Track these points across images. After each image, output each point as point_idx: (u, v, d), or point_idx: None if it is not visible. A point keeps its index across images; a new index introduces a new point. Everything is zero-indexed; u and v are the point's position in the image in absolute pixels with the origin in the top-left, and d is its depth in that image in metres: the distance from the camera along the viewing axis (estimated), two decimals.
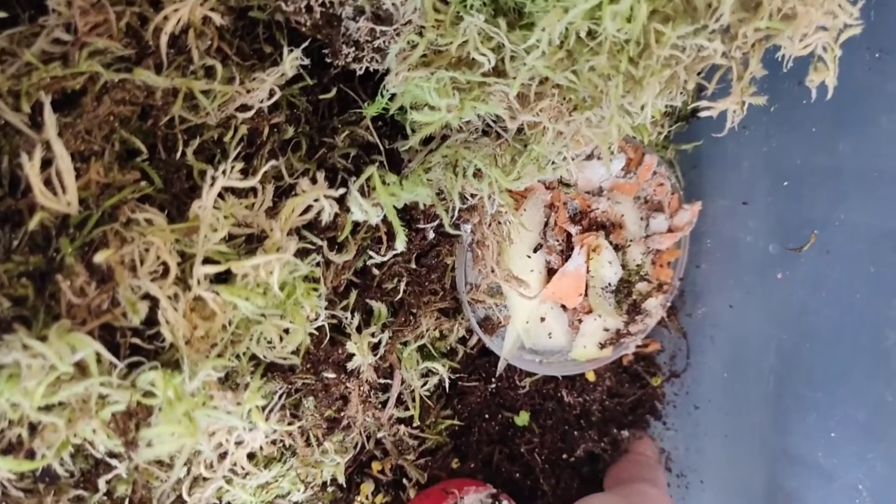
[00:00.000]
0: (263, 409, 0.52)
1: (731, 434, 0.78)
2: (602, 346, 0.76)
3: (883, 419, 0.61)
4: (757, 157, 0.70)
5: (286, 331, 0.51)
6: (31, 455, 0.45)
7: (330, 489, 0.71)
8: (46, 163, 0.44)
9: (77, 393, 0.42)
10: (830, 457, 0.67)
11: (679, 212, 0.76)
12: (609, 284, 0.72)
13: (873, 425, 0.63)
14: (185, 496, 0.52)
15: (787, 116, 0.66)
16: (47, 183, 0.44)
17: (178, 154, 0.51)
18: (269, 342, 0.51)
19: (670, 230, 0.76)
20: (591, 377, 0.82)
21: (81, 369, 0.43)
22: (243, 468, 0.52)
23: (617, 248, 0.74)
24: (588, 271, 0.71)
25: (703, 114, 0.56)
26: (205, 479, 0.53)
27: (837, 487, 0.67)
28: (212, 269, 0.46)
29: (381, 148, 0.61)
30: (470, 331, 0.76)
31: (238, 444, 0.51)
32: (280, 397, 0.54)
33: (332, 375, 0.58)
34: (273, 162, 0.51)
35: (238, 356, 0.50)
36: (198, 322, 0.47)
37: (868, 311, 0.62)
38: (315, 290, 0.52)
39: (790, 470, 0.72)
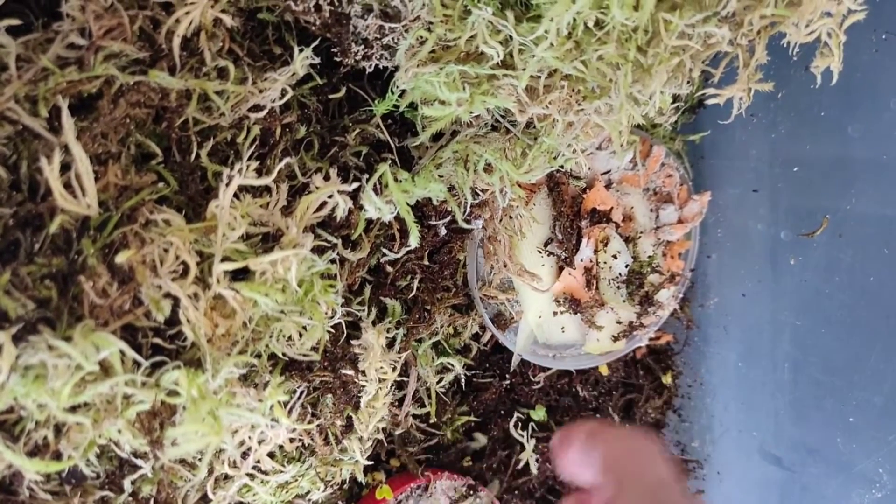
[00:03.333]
0: (285, 405, 0.52)
1: (746, 424, 0.78)
2: (615, 338, 0.76)
3: None
4: (765, 145, 0.71)
5: (305, 328, 0.52)
6: (57, 456, 0.45)
7: (346, 486, 0.71)
8: (65, 167, 0.45)
9: (103, 392, 0.43)
10: (849, 442, 0.67)
11: (688, 202, 0.76)
12: (619, 275, 0.73)
13: (891, 408, 0.64)
14: (209, 494, 0.52)
15: (795, 102, 0.66)
16: (66, 186, 0.45)
17: (193, 156, 0.52)
18: (289, 339, 0.51)
19: (680, 221, 0.76)
20: (604, 371, 0.82)
21: (105, 369, 0.43)
22: (266, 466, 0.53)
23: (627, 240, 0.74)
24: (597, 263, 0.72)
25: (709, 101, 0.56)
26: (227, 477, 0.53)
27: (857, 472, 0.67)
28: (230, 267, 0.46)
29: (392, 145, 0.61)
30: (483, 327, 0.77)
31: (261, 441, 0.51)
32: (300, 395, 0.54)
33: (349, 372, 0.58)
34: (287, 160, 0.52)
35: (259, 354, 0.50)
36: (218, 320, 0.48)
37: (882, 293, 0.62)
38: (332, 286, 0.52)
39: (808, 458, 0.72)
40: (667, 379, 0.85)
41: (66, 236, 0.46)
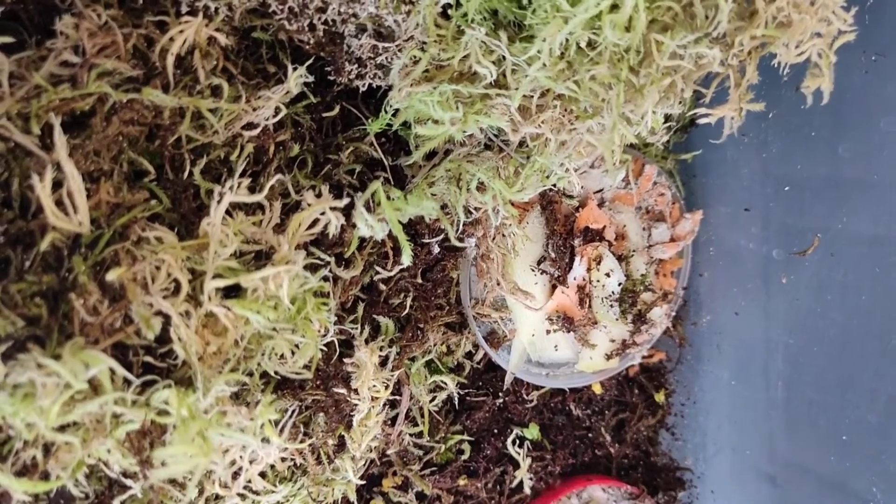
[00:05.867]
0: (276, 424, 0.52)
1: (740, 443, 0.78)
2: (608, 356, 0.76)
3: (895, 420, 0.62)
4: (756, 164, 0.71)
5: (297, 346, 0.52)
6: (45, 476, 0.45)
7: None
8: (57, 184, 0.45)
9: (92, 411, 0.43)
10: (843, 460, 0.67)
11: (680, 221, 0.77)
12: (612, 293, 0.73)
13: (885, 426, 0.63)
14: None
15: (786, 122, 0.67)
16: (58, 204, 0.44)
17: (186, 174, 0.52)
18: (281, 357, 0.51)
19: (672, 239, 0.76)
20: (597, 389, 0.82)
21: (95, 388, 0.43)
22: (256, 486, 0.52)
23: (620, 258, 0.74)
24: (590, 282, 0.72)
25: (701, 121, 0.56)
26: (218, 497, 0.53)
27: (851, 491, 0.67)
28: (222, 283, 0.46)
29: (386, 164, 0.61)
30: (476, 345, 0.77)
31: (252, 461, 0.51)
32: (292, 413, 0.54)
33: (342, 391, 0.58)
34: (280, 177, 0.52)
35: (250, 373, 0.50)
36: (210, 338, 0.47)
37: (874, 312, 0.63)
38: (325, 304, 0.52)
39: (802, 477, 0.72)
40: (660, 397, 0.84)
41: (57, 254, 0.46)
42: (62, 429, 0.43)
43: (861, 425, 0.65)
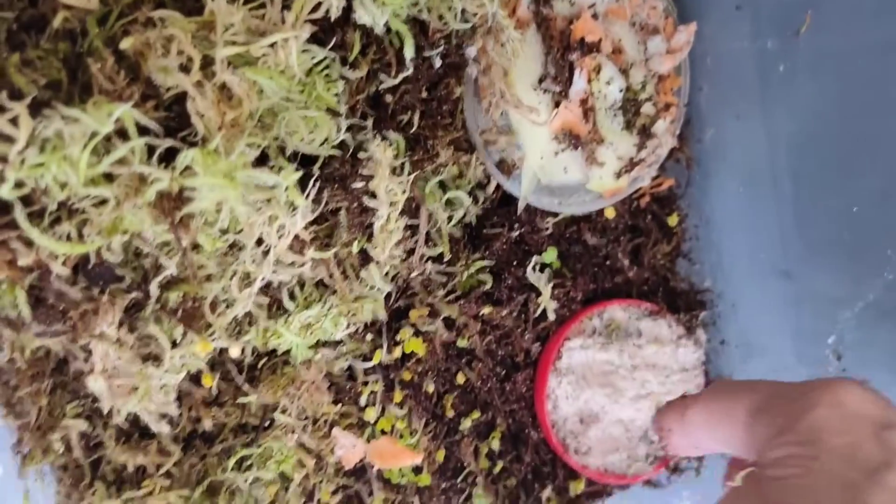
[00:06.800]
0: (302, 189, 0.53)
1: (754, 248, 0.79)
2: (618, 175, 0.77)
3: None
4: None
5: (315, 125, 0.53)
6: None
7: (369, 337, 0.73)
8: None
9: (121, 166, 0.44)
10: (856, 233, 0.68)
11: (675, 34, 0.77)
12: (615, 102, 0.74)
13: (892, 190, 0.65)
14: (234, 293, 0.53)
15: None
16: None
17: None
18: (296, 133, 0.53)
19: (669, 52, 0.77)
20: (610, 214, 0.83)
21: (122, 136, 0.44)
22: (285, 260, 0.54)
23: (619, 72, 0.75)
24: (592, 94, 0.73)
25: None
26: (248, 278, 0.55)
27: (867, 262, 0.68)
28: (233, 51, 0.48)
29: None
30: (488, 176, 0.78)
31: (280, 236, 0.52)
32: (314, 183, 0.55)
33: (359, 185, 0.59)
34: None
35: (268, 146, 0.51)
36: (226, 110, 0.49)
37: (872, 72, 0.63)
38: (333, 81, 0.53)
39: (817, 264, 0.73)
40: (672, 220, 0.86)
41: (70, 36, 0.47)
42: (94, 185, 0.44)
43: (869, 192, 0.66)
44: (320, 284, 0.66)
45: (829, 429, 0.43)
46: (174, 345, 0.57)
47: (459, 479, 0.80)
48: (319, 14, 0.53)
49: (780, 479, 0.43)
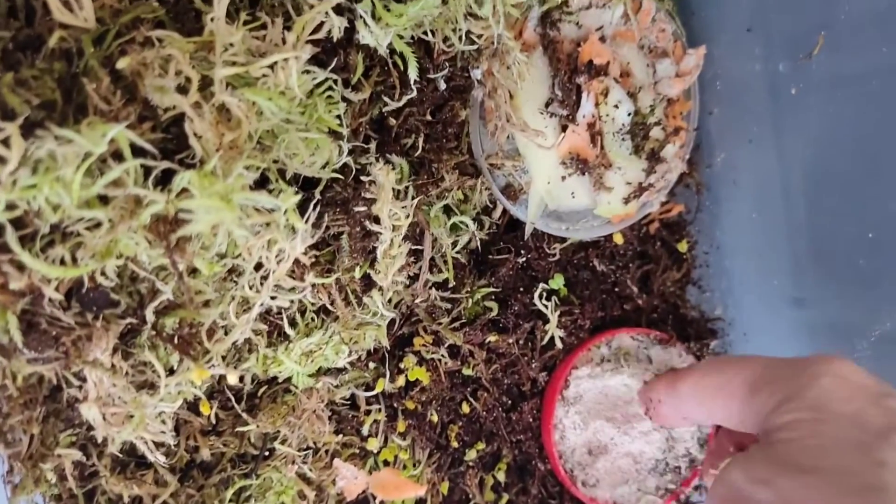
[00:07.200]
0: (301, 215, 0.52)
1: (766, 275, 0.78)
2: (626, 200, 0.76)
3: None
4: None
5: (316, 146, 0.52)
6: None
7: (372, 365, 0.71)
8: None
9: (115, 179, 0.43)
10: (872, 261, 0.66)
11: (684, 57, 0.76)
12: (623, 125, 0.72)
13: None
14: (232, 318, 0.52)
15: None
16: (64, 4, 0.45)
17: None
18: (297, 156, 0.51)
19: (678, 76, 0.76)
20: (618, 240, 0.81)
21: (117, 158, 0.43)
22: (285, 285, 0.52)
23: (627, 95, 0.74)
24: (600, 117, 0.72)
25: None
26: (246, 304, 0.53)
27: (883, 289, 0.66)
28: (231, 71, 0.47)
29: None
30: (494, 202, 0.76)
31: (279, 260, 0.51)
32: (315, 206, 0.53)
33: (362, 209, 0.58)
34: None
35: (268, 168, 0.50)
36: (224, 131, 0.48)
37: (886, 94, 0.62)
38: (334, 103, 0.52)
39: (831, 292, 0.71)
40: (682, 246, 0.84)
41: (65, 53, 0.46)
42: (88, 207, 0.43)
43: (886, 217, 0.65)
44: (322, 311, 0.65)
45: (835, 397, 0.46)
46: (171, 372, 0.56)
47: None
48: (321, 35, 0.52)
49: (791, 440, 0.46)
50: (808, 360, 0.52)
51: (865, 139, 0.65)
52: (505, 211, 0.77)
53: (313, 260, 0.57)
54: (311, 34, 0.52)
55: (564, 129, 0.72)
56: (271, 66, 0.48)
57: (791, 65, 0.69)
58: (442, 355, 0.74)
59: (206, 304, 0.53)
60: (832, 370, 0.49)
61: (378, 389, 0.71)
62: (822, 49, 0.66)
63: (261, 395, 0.68)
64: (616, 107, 0.72)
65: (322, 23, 0.52)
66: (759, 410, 0.52)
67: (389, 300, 0.66)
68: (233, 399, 0.65)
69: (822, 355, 0.51)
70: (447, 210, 0.70)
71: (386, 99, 0.62)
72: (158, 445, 0.61)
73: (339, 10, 0.56)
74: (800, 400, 0.48)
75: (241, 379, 0.64)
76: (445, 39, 0.63)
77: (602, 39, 0.73)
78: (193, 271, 0.51)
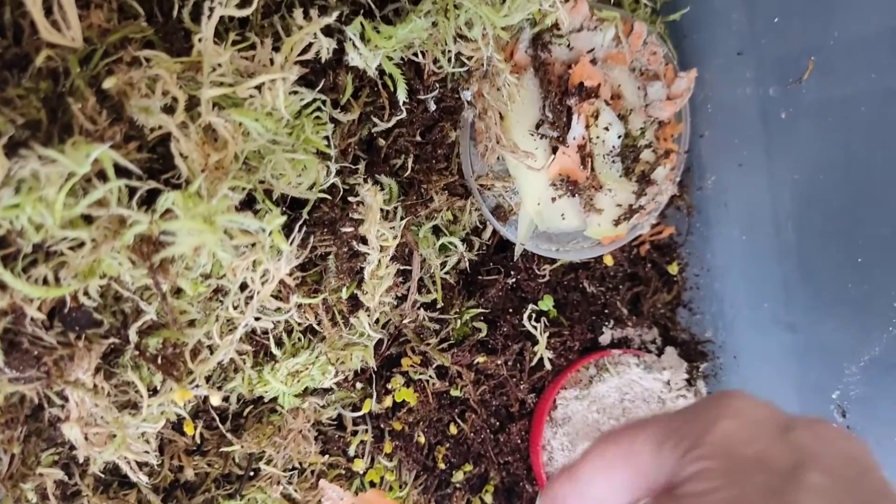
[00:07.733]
0: (286, 234, 0.52)
1: (756, 298, 0.78)
2: (616, 222, 0.76)
3: None
4: (744, 5, 0.71)
5: (304, 167, 0.52)
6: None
7: (359, 385, 0.71)
8: (49, 12, 0.45)
9: (99, 199, 0.42)
10: (861, 285, 0.66)
11: (675, 80, 0.76)
12: (613, 148, 0.73)
13: None
14: (216, 340, 0.52)
15: None
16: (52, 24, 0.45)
17: (175, 16, 0.52)
18: (284, 177, 0.51)
19: (669, 98, 0.76)
20: (609, 261, 0.81)
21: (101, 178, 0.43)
22: (269, 306, 0.52)
23: (618, 118, 0.74)
24: (590, 140, 0.72)
25: None
26: (231, 325, 0.53)
27: (872, 314, 0.66)
28: (218, 92, 0.46)
29: (374, 9, 0.61)
30: (483, 223, 0.76)
31: (264, 281, 0.51)
32: (300, 228, 0.53)
33: (349, 230, 0.58)
34: None
35: (254, 188, 0.50)
36: (210, 152, 0.47)
37: (874, 121, 0.62)
38: (322, 124, 0.52)
39: (821, 316, 0.71)
40: (673, 268, 0.84)
41: (52, 73, 0.46)
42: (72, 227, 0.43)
43: (875, 242, 0.65)
44: (309, 331, 0.65)
45: (738, 440, 0.43)
46: (154, 392, 0.55)
47: None
48: (310, 55, 0.52)
49: (701, 493, 0.43)
50: (708, 400, 0.49)
51: (855, 163, 0.65)
52: (495, 232, 0.77)
53: (299, 280, 0.57)
54: (299, 55, 0.52)
55: (555, 150, 0.72)
56: (258, 87, 0.48)
57: (781, 89, 0.69)
58: (430, 376, 0.73)
59: (191, 323, 0.53)
60: (731, 409, 0.46)
61: (365, 410, 0.71)
62: (812, 74, 0.66)
63: (246, 414, 0.67)
64: (606, 129, 0.72)
65: (311, 44, 0.52)
66: (667, 464, 0.48)
67: (377, 320, 0.66)
68: (217, 419, 0.64)
69: (722, 393, 0.48)
70: (436, 230, 0.70)
71: (375, 119, 0.62)
72: (141, 465, 0.61)
73: (328, 31, 0.56)
74: (704, 446, 0.44)
75: (227, 399, 0.63)
76: (435, 61, 0.63)
77: (593, 62, 0.73)
78: (178, 291, 0.50)
